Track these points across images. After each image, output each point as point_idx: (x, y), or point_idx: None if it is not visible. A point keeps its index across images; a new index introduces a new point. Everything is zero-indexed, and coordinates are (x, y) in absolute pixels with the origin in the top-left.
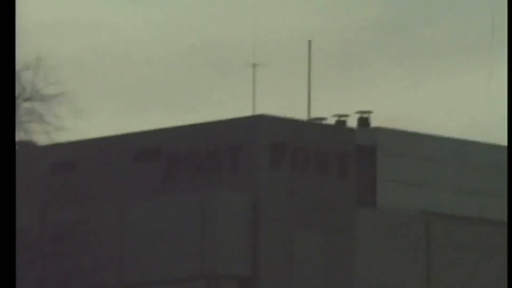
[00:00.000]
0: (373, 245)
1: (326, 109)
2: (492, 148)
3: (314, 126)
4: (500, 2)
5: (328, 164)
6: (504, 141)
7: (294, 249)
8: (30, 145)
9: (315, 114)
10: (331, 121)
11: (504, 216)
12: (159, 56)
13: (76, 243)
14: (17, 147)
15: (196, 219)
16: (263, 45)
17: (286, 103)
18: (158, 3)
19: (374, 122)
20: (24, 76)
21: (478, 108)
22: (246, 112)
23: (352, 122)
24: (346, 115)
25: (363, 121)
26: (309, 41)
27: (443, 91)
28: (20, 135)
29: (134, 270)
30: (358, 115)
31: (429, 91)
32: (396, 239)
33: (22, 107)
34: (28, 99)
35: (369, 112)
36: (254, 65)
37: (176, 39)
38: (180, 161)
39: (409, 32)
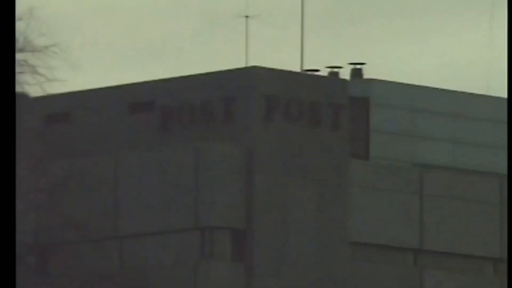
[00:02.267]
0: (366, 197)
1: (319, 61)
2: (485, 99)
3: (307, 77)
4: None
5: (321, 116)
6: (498, 92)
7: (287, 200)
8: (23, 97)
9: (308, 65)
10: (324, 72)
11: (497, 168)
12: (152, 9)
13: (70, 194)
14: None
15: (190, 170)
16: (249, 7)
17: (279, 55)
18: None
19: (367, 74)
20: (18, 27)
21: (472, 61)
22: (240, 64)
23: (345, 74)
24: (339, 67)
25: (356, 73)
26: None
27: (436, 46)
28: (16, 87)
29: (128, 221)
30: (351, 67)
31: (422, 45)
32: (389, 191)
33: (18, 61)
34: (20, 50)
35: (362, 64)
36: (247, 17)
37: None
38: (174, 112)
39: None
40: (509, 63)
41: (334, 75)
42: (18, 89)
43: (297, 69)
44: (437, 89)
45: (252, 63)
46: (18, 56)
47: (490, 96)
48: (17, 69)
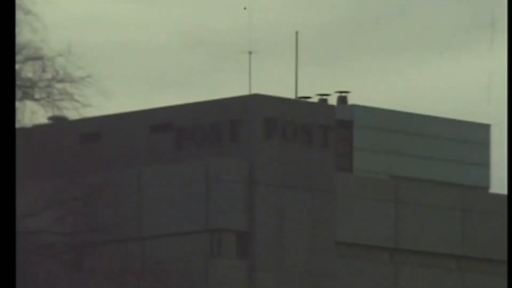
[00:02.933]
0: (350, 204)
1: (310, 89)
2: (451, 121)
3: (300, 103)
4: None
5: (312, 136)
6: (465, 117)
7: (284, 207)
8: (62, 120)
9: (301, 93)
10: (315, 99)
11: (460, 180)
12: (170, 46)
13: (100, 202)
14: (51, 121)
15: (201, 182)
16: (258, 35)
17: (277, 84)
18: (168, 4)
19: (351, 101)
20: (58, 62)
21: (443, 89)
22: (243, 92)
23: (333, 100)
24: (327, 94)
25: (342, 100)
26: (296, 32)
27: (412, 75)
28: (54, 111)
29: (149, 225)
30: (337, 94)
31: (401, 75)
32: (369, 199)
33: (55, 88)
34: (60, 81)
35: (347, 92)
36: (250, 53)
37: (186, 33)
38: (188, 133)
39: (382, 27)
40: (509, 63)
41: (323, 101)
42: (58, 113)
43: (292, 96)
44: (409, 113)
45: (254, 91)
46: (58, 85)
47: (455, 120)
48: (57, 96)
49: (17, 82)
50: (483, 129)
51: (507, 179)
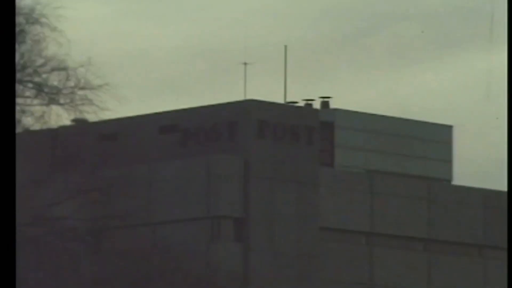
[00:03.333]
0: (331, 194)
1: (298, 95)
2: (419, 123)
3: (288, 107)
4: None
5: (299, 135)
6: (435, 119)
7: (274, 197)
8: (83, 122)
9: (289, 99)
10: (301, 104)
11: (427, 173)
12: (176, 58)
13: (116, 192)
14: (73, 123)
15: (203, 176)
16: (252, 49)
17: (268, 90)
18: (175, 21)
19: (333, 105)
20: (79, 72)
21: (413, 95)
22: (239, 97)
23: (317, 105)
24: (312, 100)
25: (325, 104)
26: (285, 46)
27: (387, 84)
28: (76, 114)
29: (158, 212)
30: (321, 100)
31: (376, 83)
32: (348, 190)
33: (78, 94)
34: (82, 88)
35: (329, 97)
36: (245, 64)
37: (190, 46)
38: (191, 133)
39: (357, 43)
40: (509, 63)
41: (308, 106)
42: (80, 116)
43: (281, 101)
44: (383, 116)
45: (248, 97)
46: (80, 92)
47: (422, 121)
48: (79, 101)
49: (45, 90)
50: (446, 130)
51: (507, 179)
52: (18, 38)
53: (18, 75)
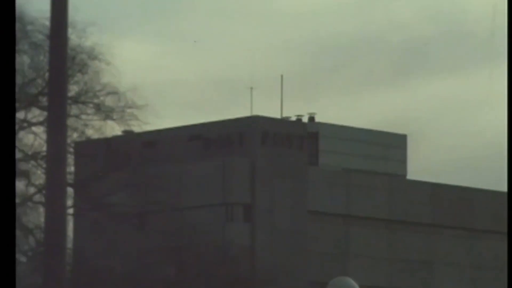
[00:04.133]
0: (317, 185)
1: (291, 112)
2: (382, 133)
3: (285, 121)
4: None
5: (292, 142)
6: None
7: (273, 188)
8: (130, 132)
9: (285, 114)
10: (294, 118)
11: (389, 170)
12: (200, 83)
13: (155, 186)
14: (123, 133)
15: (220, 173)
16: (256, 78)
17: (269, 108)
18: (199, 56)
19: (317, 119)
20: (128, 95)
21: (379, 112)
22: (247, 114)
23: (305, 119)
24: (302, 115)
25: (311, 119)
26: (281, 75)
27: (357, 103)
28: (125, 127)
29: (186, 200)
30: (308, 115)
31: (349, 103)
32: (329, 183)
33: (126, 112)
34: (129, 107)
35: (314, 113)
36: (251, 88)
37: (210, 75)
38: (211, 141)
39: (337, 72)
40: (509, 63)
41: (299, 120)
42: (128, 128)
43: (278, 116)
44: (356, 128)
45: (254, 113)
46: (128, 110)
47: (385, 131)
48: (128, 117)
49: (102, 108)
50: (402, 138)
51: (507, 179)
52: (82, 70)
53: (82, 98)
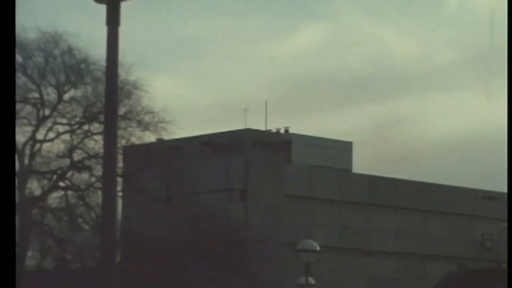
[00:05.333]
0: (290, 177)
1: (272, 126)
2: (331, 140)
3: (268, 132)
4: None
5: (273, 148)
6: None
7: (261, 179)
8: (162, 140)
9: (268, 128)
10: (274, 130)
11: (340, 166)
12: (209, 106)
13: (179, 178)
14: (156, 140)
15: (224, 168)
16: (249, 102)
17: (257, 123)
18: (208, 83)
19: (291, 131)
20: (160, 114)
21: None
22: (242, 127)
23: (282, 131)
24: (279, 128)
25: (286, 131)
26: (266, 101)
27: (320, 119)
28: (158, 136)
29: (201, 187)
30: (284, 128)
31: (315, 119)
32: (298, 175)
33: (159, 125)
34: (161, 122)
35: (288, 127)
36: (245, 110)
37: (216, 99)
38: (219, 146)
39: (306, 98)
40: (509, 64)
41: (278, 131)
42: (160, 137)
43: (264, 129)
44: (317, 137)
45: (247, 126)
46: (160, 124)
47: (335, 139)
48: (159, 129)
49: (142, 123)
50: (348, 144)
51: (507, 179)
52: (128, 97)
53: (128, 116)
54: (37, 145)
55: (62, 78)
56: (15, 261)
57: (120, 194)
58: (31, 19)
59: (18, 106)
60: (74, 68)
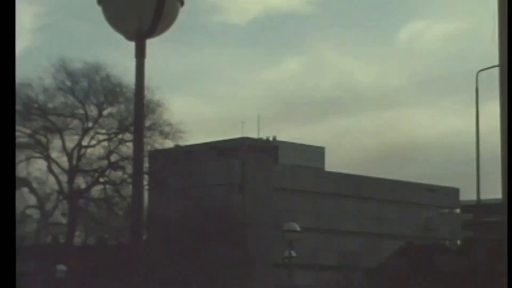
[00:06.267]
0: (277, 174)
1: (263, 134)
2: (304, 145)
3: (260, 140)
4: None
5: (263, 151)
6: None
7: (253, 175)
8: (179, 146)
9: (260, 136)
10: (265, 138)
11: (312, 164)
12: (215, 121)
13: (191, 174)
14: (174, 147)
15: (227, 167)
16: (246, 117)
17: (252, 133)
18: (212, 101)
19: (277, 139)
20: (178, 126)
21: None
22: (240, 135)
23: (271, 138)
24: (269, 137)
25: (274, 138)
26: (258, 116)
27: (300, 130)
28: (176, 143)
29: (206, 181)
30: (272, 136)
31: (296, 130)
32: (283, 171)
33: (176, 136)
34: (178, 132)
35: (275, 136)
36: (243, 122)
37: (220, 115)
38: (222, 151)
39: (285, 116)
40: (509, 64)
41: (267, 139)
42: (176, 143)
43: (257, 137)
44: (294, 143)
45: (244, 135)
46: (177, 133)
47: (307, 144)
48: (177, 138)
49: (163, 133)
50: (322, 149)
51: (507, 179)
52: (152, 112)
53: (152, 127)
54: (83, 150)
55: (101, 99)
56: (15, 261)
57: (146, 187)
58: (78, 52)
59: (68, 120)
60: (111, 91)
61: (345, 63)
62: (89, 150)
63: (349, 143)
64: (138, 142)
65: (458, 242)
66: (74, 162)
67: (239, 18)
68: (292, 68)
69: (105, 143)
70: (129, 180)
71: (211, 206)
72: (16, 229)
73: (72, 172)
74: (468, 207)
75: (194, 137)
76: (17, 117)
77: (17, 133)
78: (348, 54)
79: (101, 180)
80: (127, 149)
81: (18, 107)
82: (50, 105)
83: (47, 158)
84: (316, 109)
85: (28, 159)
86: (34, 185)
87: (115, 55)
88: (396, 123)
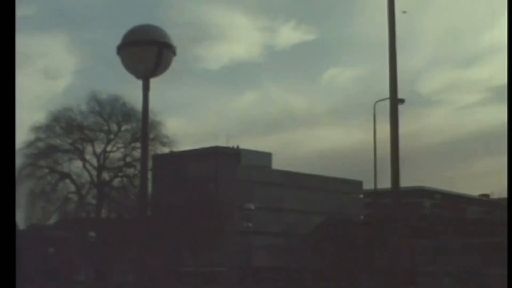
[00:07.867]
0: (240, 172)
1: (230, 144)
2: (262, 153)
3: (228, 148)
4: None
5: (230, 155)
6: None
7: (225, 171)
8: (173, 152)
9: (229, 145)
10: (231, 146)
11: (267, 164)
12: (207, 134)
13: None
14: (171, 152)
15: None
16: (230, 133)
17: (222, 143)
18: (204, 122)
19: (240, 147)
20: (173, 137)
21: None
22: (215, 144)
23: (235, 146)
24: (234, 146)
25: (237, 146)
26: (227, 131)
27: (259, 141)
28: (172, 149)
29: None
30: (236, 145)
31: (254, 142)
32: (244, 171)
33: (173, 144)
34: (174, 141)
35: (239, 145)
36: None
37: (210, 131)
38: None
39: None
40: (509, 63)
41: (233, 147)
42: (174, 150)
43: (225, 145)
44: (255, 150)
45: (217, 144)
46: (173, 143)
47: (262, 151)
48: (173, 145)
49: (162, 143)
50: (269, 154)
51: (507, 180)
52: (155, 128)
53: (155, 138)
54: (107, 154)
55: (120, 118)
56: (15, 261)
57: (150, 180)
58: (104, 87)
59: (97, 133)
60: (126, 114)
61: (286, 96)
62: (111, 154)
63: (289, 150)
64: (145, 149)
65: (362, 217)
66: (101, 162)
67: (214, 65)
68: (251, 99)
69: (122, 149)
70: (139, 174)
71: (194, 193)
72: (61, 208)
73: (100, 169)
74: (368, 193)
75: (183, 146)
76: (62, 132)
77: (61, 142)
78: (288, 89)
79: (120, 174)
80: (137, 153)
81: (62, 124)
82: (85, 123)
83: (83, 159)
84: (266, 127)
85: (70, 160)
86: (74, 177)
87: (129, 89)
88: (321, 137)
